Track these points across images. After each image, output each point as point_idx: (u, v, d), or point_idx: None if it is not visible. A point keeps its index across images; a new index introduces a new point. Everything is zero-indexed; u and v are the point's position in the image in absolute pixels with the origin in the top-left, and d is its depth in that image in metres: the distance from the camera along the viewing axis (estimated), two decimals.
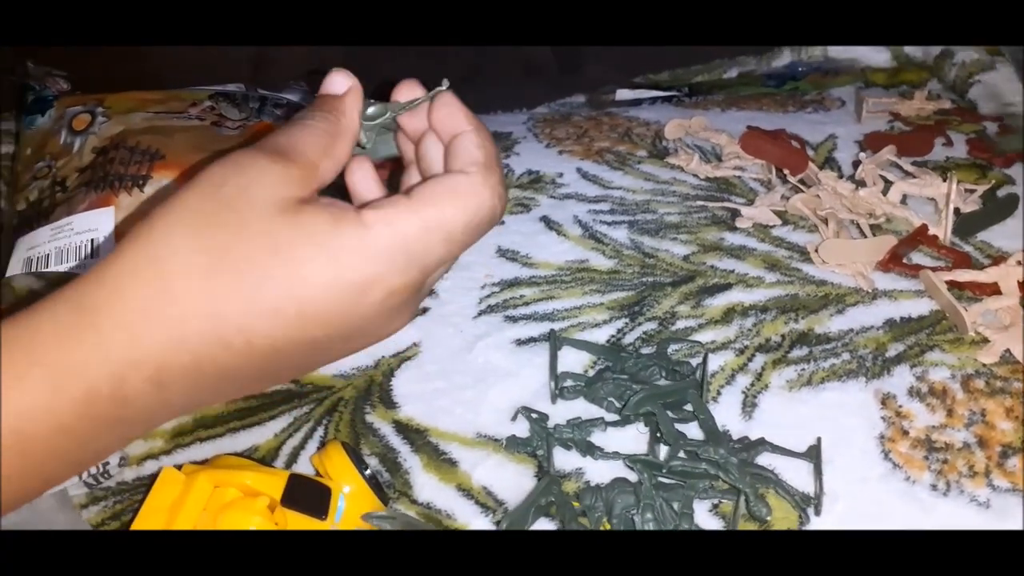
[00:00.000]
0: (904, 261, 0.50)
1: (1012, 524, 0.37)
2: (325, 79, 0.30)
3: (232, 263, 0.25)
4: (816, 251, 0.51)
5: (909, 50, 0.78)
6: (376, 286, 0.26)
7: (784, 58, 0.81)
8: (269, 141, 0.28)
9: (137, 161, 0.50)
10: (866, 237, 0.52)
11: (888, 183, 0.56)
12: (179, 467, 0.37)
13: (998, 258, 0.51)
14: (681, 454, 0.39)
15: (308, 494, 0.37)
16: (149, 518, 0.36)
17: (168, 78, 0.65)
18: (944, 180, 0.55)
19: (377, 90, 0.32)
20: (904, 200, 0.56)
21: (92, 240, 0.47)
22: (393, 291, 0.27)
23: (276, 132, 0.29)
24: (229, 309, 0.25)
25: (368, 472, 0.39)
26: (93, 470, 0.41)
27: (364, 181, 0.32)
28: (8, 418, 0.24)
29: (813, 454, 0.40)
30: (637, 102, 0.77)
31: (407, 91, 0.31)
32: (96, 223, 0.47)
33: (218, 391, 0.27)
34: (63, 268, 0.46)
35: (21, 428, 0.24)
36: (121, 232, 0.47)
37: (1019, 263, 0.48)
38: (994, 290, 0.48)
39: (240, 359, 0.26)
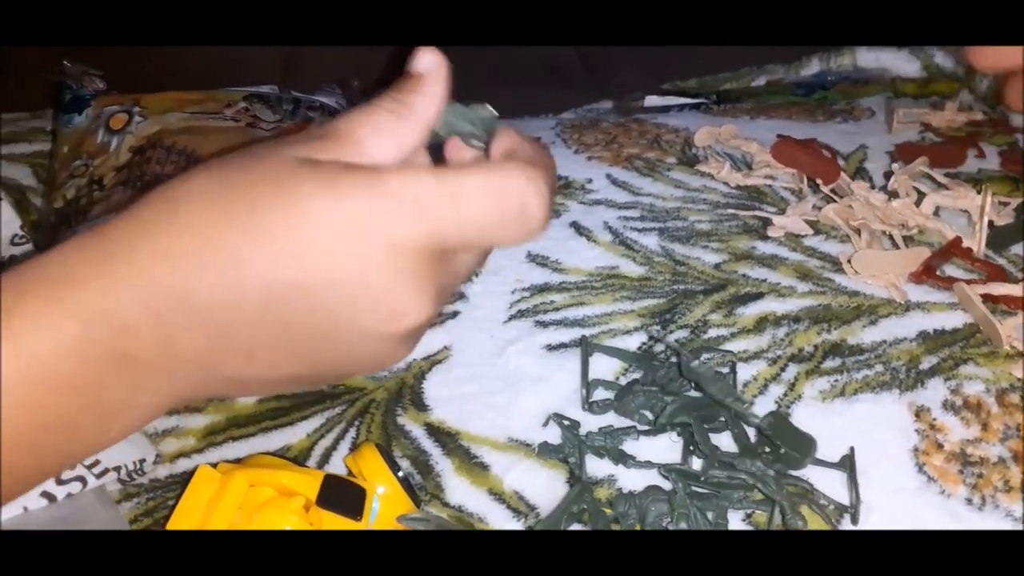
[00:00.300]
0: (937, 273, 0.50)
1: None
2: (413, 57, 0.28)
3: (237, 197, 0.25)
4: (849, 262, 0.50)
5: (939, 60, 0.77)
6: (378, 231, 0.25)
7: (813, 67, 0.81)
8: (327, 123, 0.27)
9: (173, 161, 0.51)
10: (899, 249, 0.51)
11: (921, 195, 0.56)
12: (214, 465, 0.37)
13: None
14: (717, 464, 0.39)
15: (343, 495, 0.37)
16: (185, 516, 0.36)
17: (201, 79, 0.65)
18: (978, 192, 0.55)
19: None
20: (937, 212, 0.55)
21: None
22: (397, 245, 0.25)
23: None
24: (225, 239, 0.24)
25: (401, 474, 0.39)
26: (129, 466, 0.41)
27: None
28: (28, 356, 0.23)
29: (847, 464, 0.39)
30: (665, 109, 0.77)
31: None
32: None
33: (222, 338, 0.26)
34: None
35: (45, 366, 0.24)
36: None
37: None
38: None
39: (233, 293, 0.25)
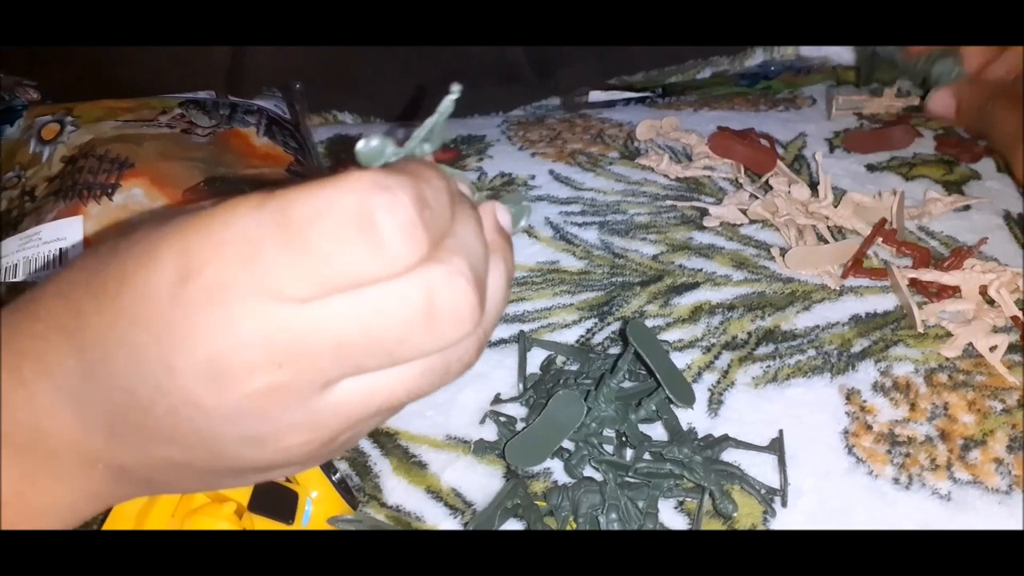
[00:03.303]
0: (867, 261, 0.51)
1: (972, 516, 0.38)
2: None
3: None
4: (782, 257, 0.51)
5: (880, 48, 0.78)
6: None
7: (757, 58, 0.81)
8: None
9: (106, 170, 0.50)
10: (828, 243, 0.52)
11: (840, 192, 0.56)
12: None
13: (956, 250, 0.52)
14: (647, 455, 0.39)
15: (275, 499, 0.37)
16: (117, 523, 0.36)
17: (140, 87, 0.65)
18: (907, 179, 0.55)
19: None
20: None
21: (60, 250, 0.47)
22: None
23: None
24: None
25: (337, 476, 0.39)
26: None
27: None
28: None
29: (776, 447, 0.40)
30: (611, 104, 0.77)
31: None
32: (64, 232, 0.47)
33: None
34: (32, 278, 0.46)
35: None
36: (90, 241, 0.47)
37: (983, 271, 0.48)
38: (956, 292, 0.48)
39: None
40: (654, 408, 0.40)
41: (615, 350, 0.47)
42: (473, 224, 0.23)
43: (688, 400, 0.38)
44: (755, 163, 0.59)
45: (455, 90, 0.25)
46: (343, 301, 0.21)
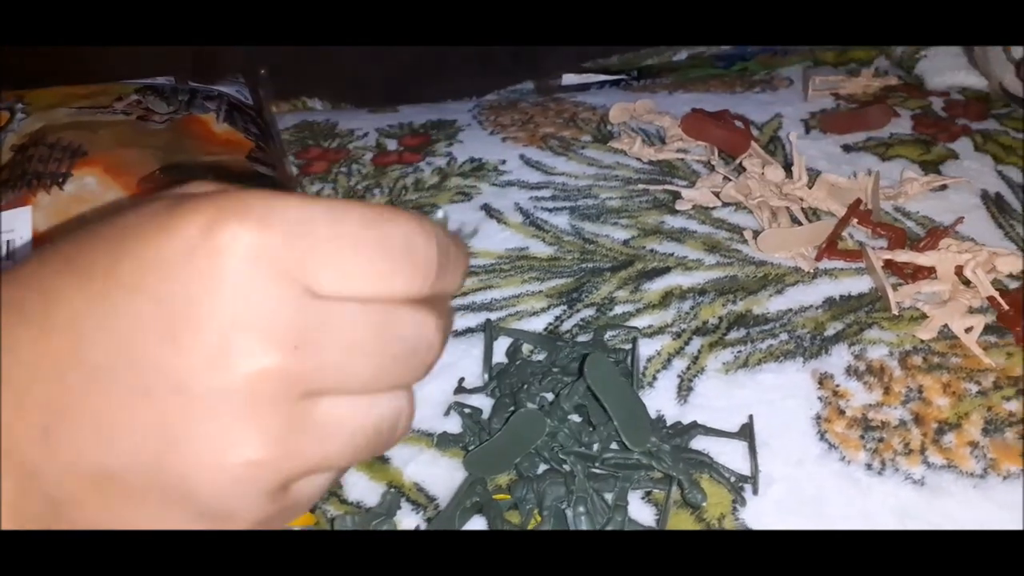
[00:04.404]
0: (842, 243, 0.50)
1: (946, 500, 0.37)
2: None
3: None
4: (755, 240, 0.50)
5: None
6: None
7: None
8: None
9: (57, 158, 0.48)
10: (802, 224, 0.51)
11: (815, 174, 0.55)
12: None
13: (932, 230, 0.51)
14: (614, 445, 0.38)
15: None
16: None
17: (101, 73, 0.63)
18: (883, 159, 0.54)
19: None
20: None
21: (8, 242, 0.45)
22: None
23: None
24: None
25: None
26: None
27: None
28: None
29: (746, 433, 0.39)
30: (585, 87, 0.76)
31: None
32: (12, 223, 0.45)
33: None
34: None
35: None
36: (39, 233, 0.46)
37: (959, 251, 0.47)
38: (931, 273, 0.47)
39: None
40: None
41: (584, 337, 0.45)
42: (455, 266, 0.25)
43: (640, 442, 0.36)
44: (729, 145, 0.58)
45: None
46: (360, 311, 0.22)
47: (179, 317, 0.21)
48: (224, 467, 0.21)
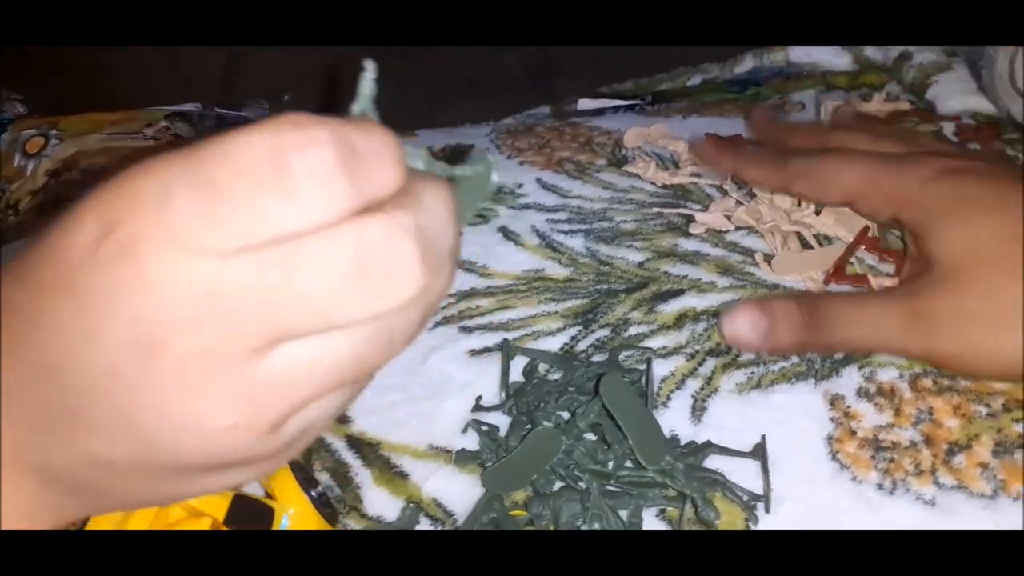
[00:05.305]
0: (851, 268, 0.50)
1: (957, 520, 0.37)
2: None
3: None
4: (768, 264, 0.51)
5: (869, 53, 0.78)
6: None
7: (747, 64, 0.82)
8: None
9: (90, 183, 0.50)
10: (812, 248, 0.52)
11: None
12: None
13: None
14: (629, 463, 0.39)
15: (251, 515, 0.37)
16: None
17: (131, 99, 0.65)
18: None
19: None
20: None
21: None
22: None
23: None
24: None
25: (318, 490, 0.39)
26: None
27: None
28: None
29: (759, 452, 0.40)
30: (600, 112, 0.77)
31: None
32: None
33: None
34: None
35: None
36: None
37: None
38: None
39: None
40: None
41: (599, 357, 0.46)
42: (435, 188, 0.22)
43: (654, 461, 0.37)
44: None
45: (369, 69, 0.23)
46: (266, 255, 0.20)
47: (101, 314, 0.20)
48: (202, 436, 0.21)
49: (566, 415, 0.42)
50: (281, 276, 0.20)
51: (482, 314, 0.51)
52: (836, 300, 0.42)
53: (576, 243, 0.55)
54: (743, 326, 0.41)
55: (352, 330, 0.21)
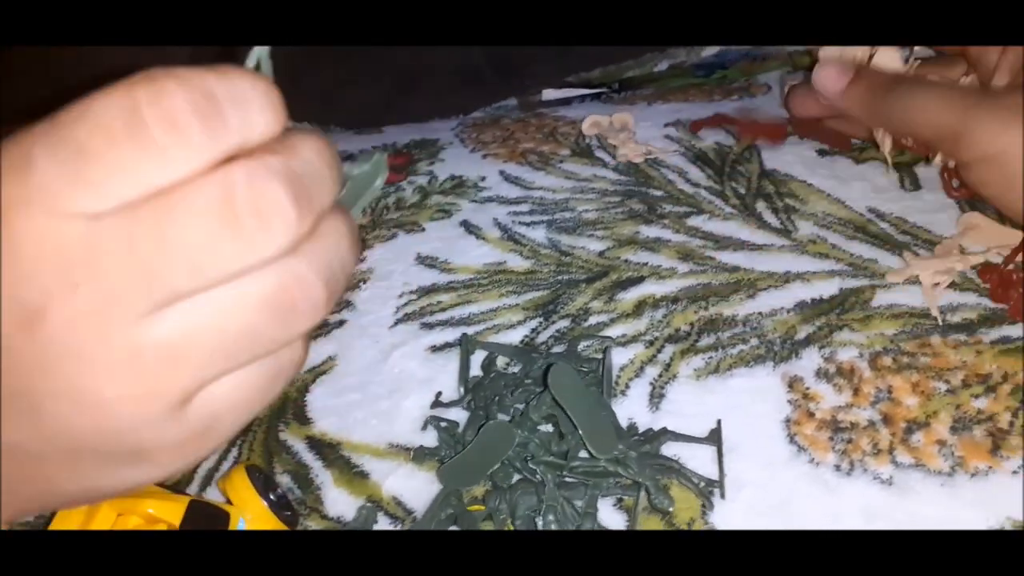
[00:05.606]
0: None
1: (915, 500, 0.37)
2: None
3: None
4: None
5: None
6: None
7: (713, 48, 0.81)
8: None
9: None
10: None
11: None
12: None
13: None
14: (583, 453, 0.39)
15: (207, 520, 0.37)
16: None
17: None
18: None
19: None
20: None
21: None
22: None
23: None
24: None
25: (278, 492, 0.39)
26: None
27: None
28: None
29: (714, 438, 0.40)
30: (567, 101, 0.77)
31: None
32: None
33: None
34: None
35: None
36: None
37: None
38: None
39: None
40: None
41: (559, 349, 0.46)
42: (314, 138, 0.21)
43: (605, 450, 0.36)
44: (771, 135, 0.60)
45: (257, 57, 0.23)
46: (136, 212, 0.19)
47: None
48: (93, 409, 0.21)
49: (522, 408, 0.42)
50: (152, 232, 0.19)
51: (443, 309, 0.50)
52: (916, 79, 0.45)
53: (538, 234, 0.55)
54: (830, 74, 0.46)
55: (239, 289, 0.20)
